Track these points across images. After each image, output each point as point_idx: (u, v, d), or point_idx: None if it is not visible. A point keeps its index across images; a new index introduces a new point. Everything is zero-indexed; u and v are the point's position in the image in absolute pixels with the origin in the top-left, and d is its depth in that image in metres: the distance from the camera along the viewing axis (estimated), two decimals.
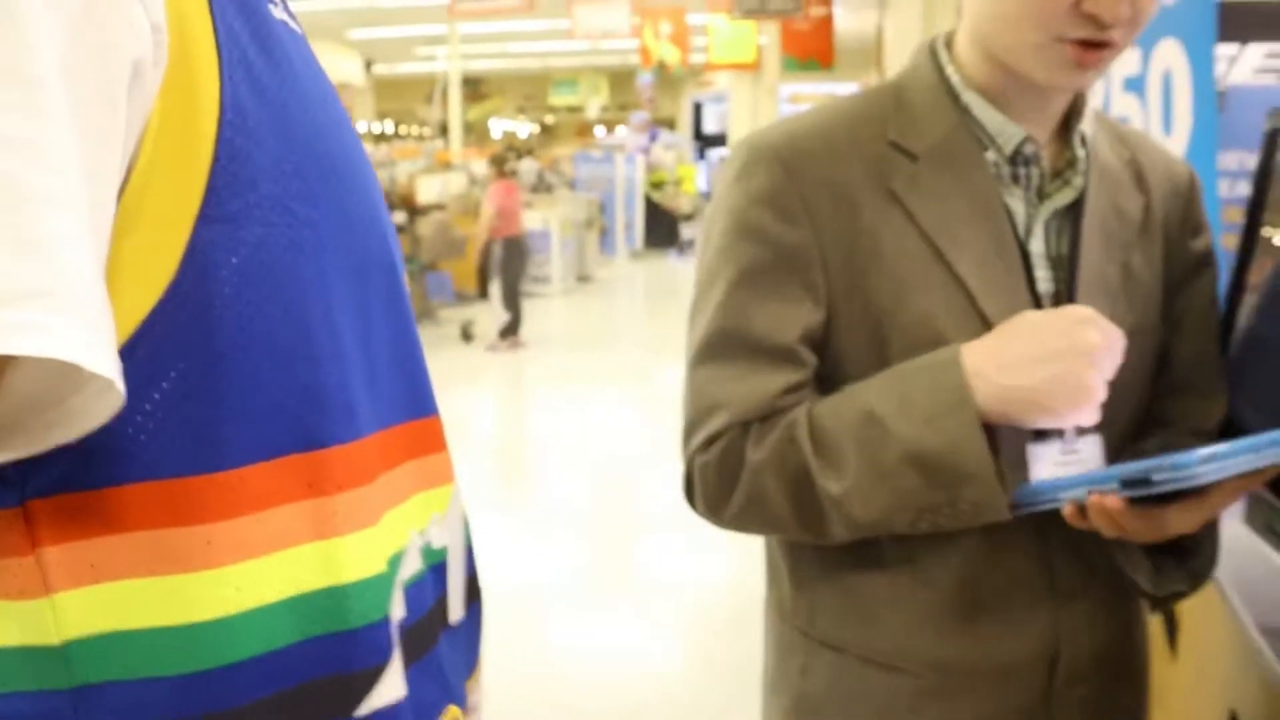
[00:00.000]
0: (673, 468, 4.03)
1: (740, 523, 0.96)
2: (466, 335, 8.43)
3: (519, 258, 8.25)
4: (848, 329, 0.93)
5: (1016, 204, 0.95)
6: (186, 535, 0.45)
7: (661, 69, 16.77)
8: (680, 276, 13.47)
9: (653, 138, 17.84)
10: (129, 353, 0.43)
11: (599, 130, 26.95)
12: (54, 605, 0.44)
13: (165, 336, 0.45)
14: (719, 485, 0.94)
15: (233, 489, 0.47)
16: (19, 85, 0.37)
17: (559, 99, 24.79)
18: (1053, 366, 0.84)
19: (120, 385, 0.39)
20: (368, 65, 14.91)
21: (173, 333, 0.45)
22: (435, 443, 0.63)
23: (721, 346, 0.95)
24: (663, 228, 15.81)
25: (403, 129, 27.79)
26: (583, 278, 12.09)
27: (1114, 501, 0.82)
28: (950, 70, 0.96)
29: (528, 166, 13.87)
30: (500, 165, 8.29)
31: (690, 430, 0.97)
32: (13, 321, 0.35)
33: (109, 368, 0.38)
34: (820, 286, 0.92)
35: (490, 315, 8.23)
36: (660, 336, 8.34)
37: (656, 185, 16.04)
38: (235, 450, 0.47)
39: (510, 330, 8.10)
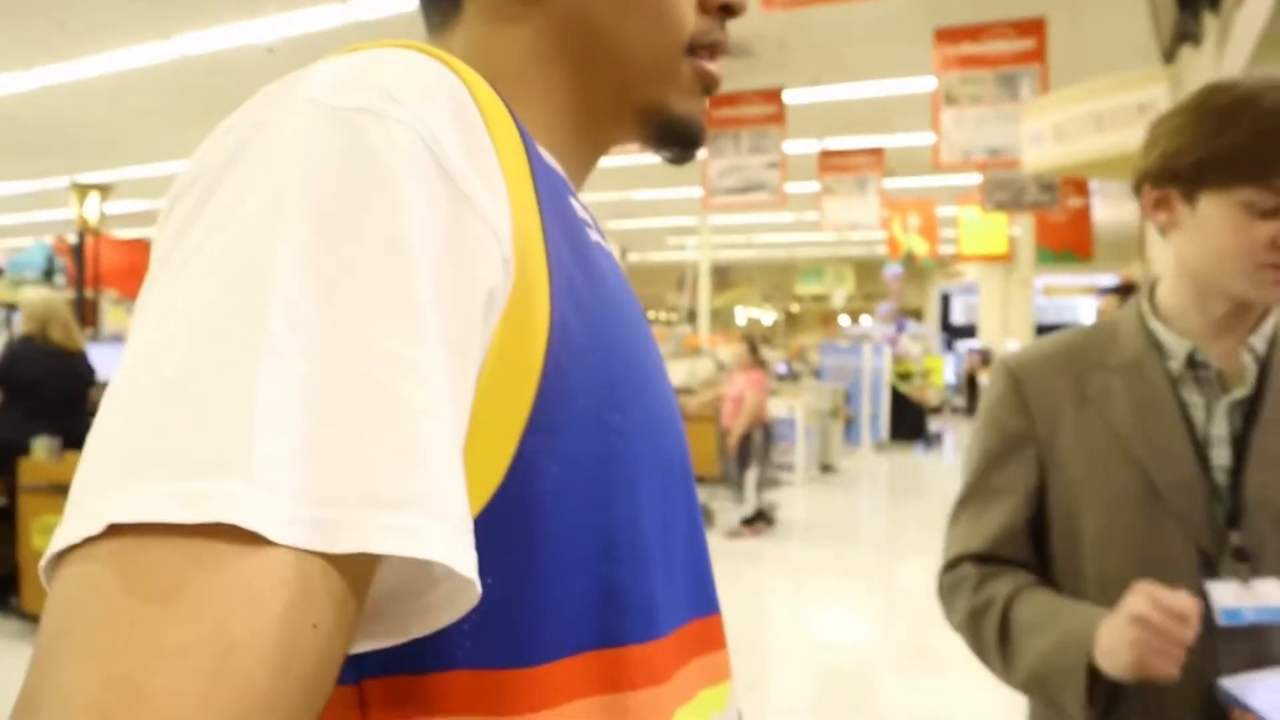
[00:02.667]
0: (906, 676, 3.76)
1: (958, 634, 1.34)
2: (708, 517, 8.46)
3: (766, 444, 8.18)
4: (1052, 491, 1.29)
5: (1196, 398, 1.24)
6: None
7: (909, 260, 16.74)
8: (926, 471, 13.01)
9: (900, 328, 17.67)
10: None
11: (843, 319, 27.02)
12: None
13: (491, 538, 0.47)
14: (948, 603, 1.35)
15: (539, 684, 0.49)
16: (405, 310, 0.42)
17: (804, 288, 25.10)
18: (1125, 654, 1.07)
19: (478, 586, 0.42)
20: (623, 254, 15.65)
21: (498, 535, 0.48)
22: (718, 640, 0.65)
23: (966, 500, 1.36)
24: (909, 420, 15.43)
25: (652, 314, 28.80)
26: (826, 467, 11.87)
27: None
28: (1145, 307, 1.30)
29: (770, 356, 13.99)
30: (754, 351, 8.31)
31: (944, 555, 1.36)
32: (395, 525, 0.39)
33: (470, 569, 0.42)
34: (1035, 459, 1.30)
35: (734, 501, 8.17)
36: (901, 534, 7.99)
37: (903, 376, 15.76)
38: (544, 647, 0.49)
39: (753, 518, 7.99)
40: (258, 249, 0.41)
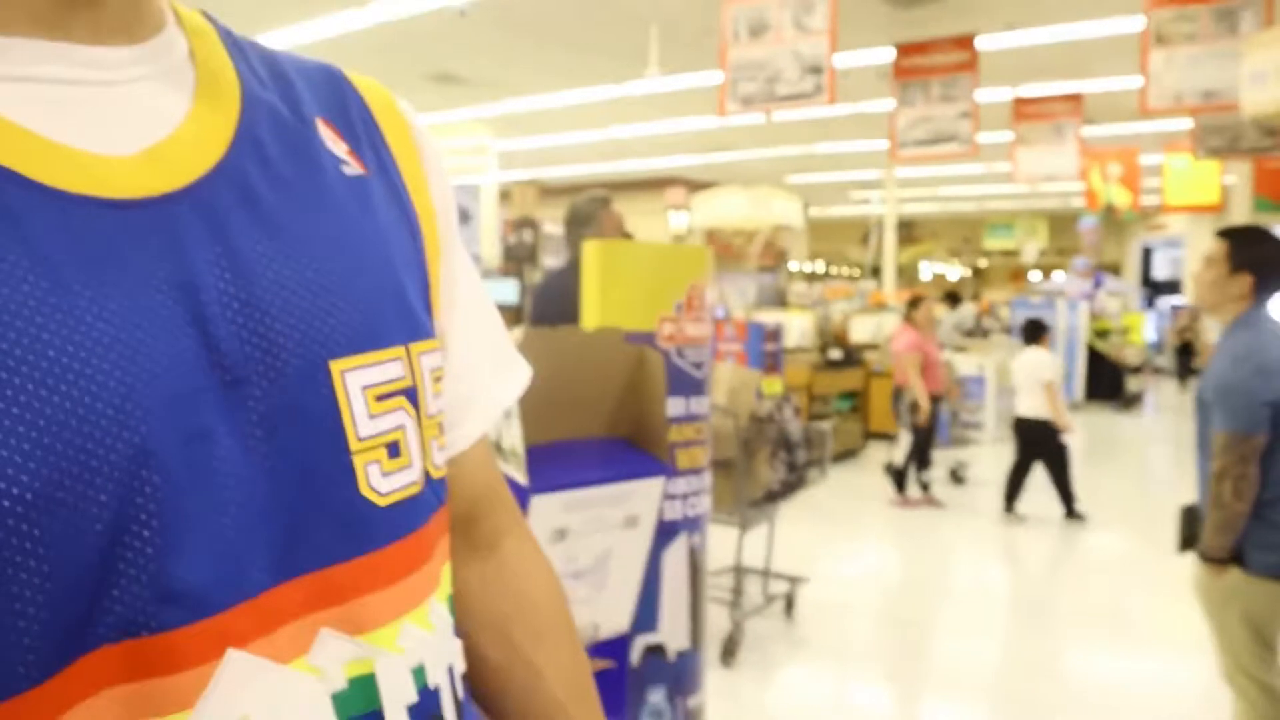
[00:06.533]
0: (1093, 645, 3.60)
1: None
2: (958, 477, 8.42)
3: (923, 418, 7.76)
4: None
5: None
6: None
7: (1108, 212, 15.90)
8: (1122, 433, 12.42)
9: (1097, 283, 16.85)
10: None
11: (1034, 275, 25.96)
12: None
13: None
14: None
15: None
16: None
17: (993, 242, 24.20)
18: None
19: None
20: (805, 208, 15.41)
21: None
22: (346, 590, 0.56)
23: None
24: (1106, 379, 14.74)
25: (833, 269, 28.36)
26: None
27: None
28: None
29: (965, 312, 13.60)
30: (913, 305, 7.97)
31: None
32: None
33: None
34: None
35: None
36: (1095, 499, 7.63)
37: (1100, 334, 15.06)
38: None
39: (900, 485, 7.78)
40: None
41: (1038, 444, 7.06)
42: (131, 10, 0.55)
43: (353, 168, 0.64)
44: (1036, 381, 6.98)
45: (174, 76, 0.57)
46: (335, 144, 0.64)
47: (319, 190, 0.60)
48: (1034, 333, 7.42)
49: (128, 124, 0.52)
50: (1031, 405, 7.01)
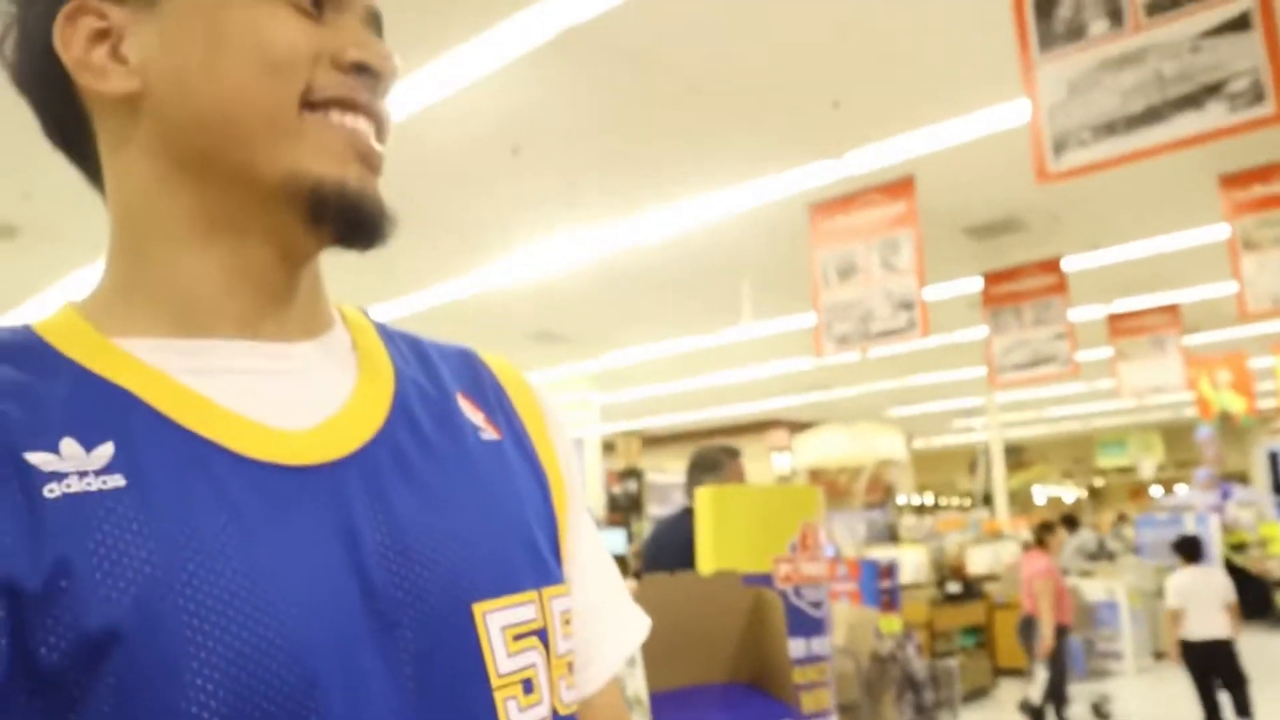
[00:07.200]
0: None
1: None
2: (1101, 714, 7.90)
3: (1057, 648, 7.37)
4: None
5: None
6: None
7: (1225, 420, 15.46)
8: (1276, 654, 11.56)
9: (1225, 495, 16.16)
10: None
11: (1155, 490, 25.05)
12: None
13: None
14: None
15: None
16: None
17: (1107, 460, 23.56)
18: None
19: None
20: (909, 439, 15.32)
21: None
22: None
23: None
24: (1251, 595, 13.84)
25: (943, 500, 27.76)
26: (1159, 655, 10.80)
27: None
28: None
29: (1087, 537, 13.09)
30: (1044, 530, 7.69)
31: None
32: None
33: None
34: None
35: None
36: None
37: (1237, 547, 14.31)
38: None
39: None
40: None
41: (1219, 668, 6.67)
42: (309, 315, 0.69)
43: (489, 434, 0.73)
44: (1222, 601, 6.72)
45: (341, 363, 0.69)
46: (473, 414, 0.73)
47: (461, 454, 0.69)
48: (1193, 550, 7.20)
49: (305, 403, 0.63)
50: (1216, 625, 6.68)
